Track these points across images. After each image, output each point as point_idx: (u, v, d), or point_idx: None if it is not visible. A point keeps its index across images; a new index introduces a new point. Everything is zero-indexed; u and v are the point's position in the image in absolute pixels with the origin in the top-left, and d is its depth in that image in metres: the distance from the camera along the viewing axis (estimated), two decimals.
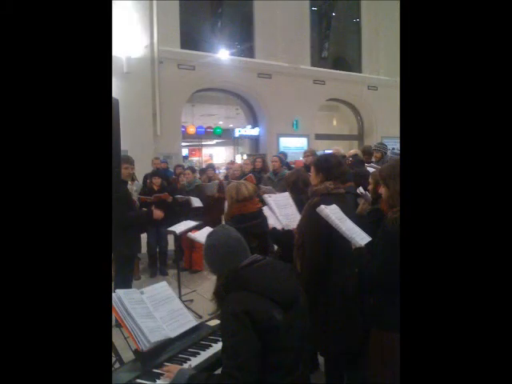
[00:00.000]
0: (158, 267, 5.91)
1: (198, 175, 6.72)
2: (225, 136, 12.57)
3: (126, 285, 3.76)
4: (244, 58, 10.48)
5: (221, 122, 14.93)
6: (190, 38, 9.74)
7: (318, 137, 12.12)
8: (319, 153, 5.68)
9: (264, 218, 2.78)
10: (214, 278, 1.72)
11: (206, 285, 5.34)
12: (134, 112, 7.83)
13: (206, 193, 5.99)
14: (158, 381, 1.62)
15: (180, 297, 4.33)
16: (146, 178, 6.32)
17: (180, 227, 4.49)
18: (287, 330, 1.51)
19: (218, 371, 1.55)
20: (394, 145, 8.05)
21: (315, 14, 11.86)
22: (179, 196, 5.83)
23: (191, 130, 11.01)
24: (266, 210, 2.84)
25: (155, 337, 1.82)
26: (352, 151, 5.84)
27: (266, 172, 6.18)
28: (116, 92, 5.63)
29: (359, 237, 2.03)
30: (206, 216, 5.51)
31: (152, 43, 8.79)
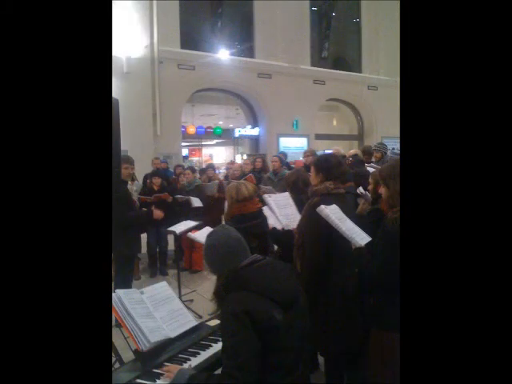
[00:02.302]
0: (158, 267, 5.91)
1: (198, 175, 6.72)
2: (225, 136, 12.56)
3: (126, 285, 3.76)
4: (244, 58, 10.48)
5: (221, 122, 14.92)
6: (190, 38, 9.74)
7: (318, 137, 12.12)
8: (319, 153, 5.68)
9: (264, 218, 2.78)
10: (213, 278, 1.72)
11: (206, 285, 5.34)
12: (134, 112, 7.83)
13: (206, 193, 5.99)
14: (157, 381, 1.62)
15: (180, 297, 4.33)
16: (145, 177, 6.32)
17: (180, 227, 4.49)
18: (287, 330, 1.51)
19: (218, 371, 1.55)
20: (394, 145, 8.05)
21: (315, 13, 11.86)
22: (179, 196, 5.83)
23: (191, 130, 11.01)
24: (266, 209, 2.84)
25: (155, 337, 1.82)
26: (352, 151, 5.84)
27: (266, 172, 6.17)
28: (116, 92, 5.63)
29: (359, 237, 2.03)
30: (206, 216, 5.51)
31: (152, 43, 8.79)
